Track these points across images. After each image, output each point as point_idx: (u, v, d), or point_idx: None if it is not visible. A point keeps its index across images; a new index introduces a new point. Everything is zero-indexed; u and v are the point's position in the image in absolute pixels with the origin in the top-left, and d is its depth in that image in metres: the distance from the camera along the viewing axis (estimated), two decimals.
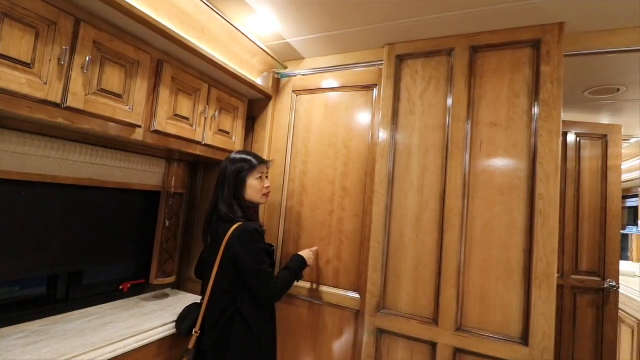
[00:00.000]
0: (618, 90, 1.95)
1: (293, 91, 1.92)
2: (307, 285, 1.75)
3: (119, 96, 1.23)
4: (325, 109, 1.83)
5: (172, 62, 1.43)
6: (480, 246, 1.40)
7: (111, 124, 1.22)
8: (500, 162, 1.40)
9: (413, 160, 1.55)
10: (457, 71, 1.50)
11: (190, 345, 1.30)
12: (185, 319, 1.38)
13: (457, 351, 1.37)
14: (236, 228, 1.28)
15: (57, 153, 1.36)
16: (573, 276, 2.25)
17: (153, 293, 1.86)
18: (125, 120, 1.25)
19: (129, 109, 1.26)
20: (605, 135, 2.34)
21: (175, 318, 1.47)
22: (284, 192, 1.87)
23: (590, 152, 2.36)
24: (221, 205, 1.34)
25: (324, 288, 1.72)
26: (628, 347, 2.81)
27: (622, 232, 4.64)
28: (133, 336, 1.32)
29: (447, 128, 1.50)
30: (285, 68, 1.90)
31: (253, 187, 1.38)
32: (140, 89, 1.29)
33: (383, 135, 1.60)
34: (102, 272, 1.67)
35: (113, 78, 1.21)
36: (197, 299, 1.61)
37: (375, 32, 1.57)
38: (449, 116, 1.50)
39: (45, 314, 1.41)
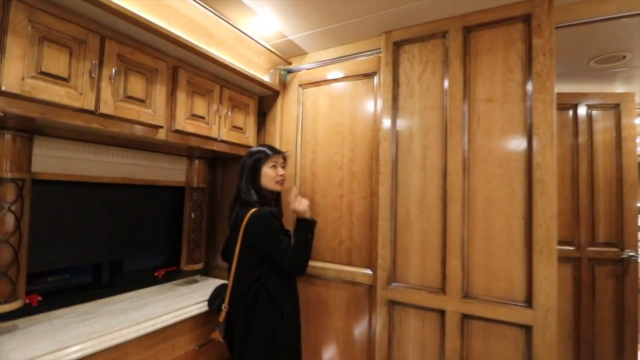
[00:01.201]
0: (624, 57, 1.94)
1: (299, 85, 2.03)
2: (323, 265, 1.88)
3: (143, 101, 1.39)
4: (330, 99, 1.94)
5: (186, 67, 1.58)
6: (482, 217, 1.47)
7: (137, 126, 1.39)
8: (497, 136, 1.46)
9: (414, 141, 1.63)
10: (452, 52, 1.56)
11: (221, 319, 1.46)
12: (217, 298, 1.55)
13: (465, 317, 1.45)
14: (252, 212, 1.42)
15: (94, 155, 1.55)
16: (590, 248, 2.25)
17: (184, 279, 2.04)
18: (149, 122, 1.41)
19: (152, 112, 1.42)
20: (618, 105, 2.30)
21: (205, 299, 1.64)
22: (296, 180, 2.00)
23: (603, 124, 2.33)
24: (242, 193, 1.50)
25: (338, 267, 1.83)
26: None
27: None
28: (169, 313, 1.49)
29: (445, 108, 1.57)
30: (290, 64, 2.02)
31: (267, 175, 1.52)
32: (160, 93, 1.45)
33: (385, 119, 1.68)
34: (139, 261, 1.86)
35: (136, 85, 1.37)
36: (225, 282, 1.77)
37: (372, 21, 1.66)
38: (447, 96, 1.56)
39: (92, 298, 1.60)
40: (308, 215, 1.49)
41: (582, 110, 2.35)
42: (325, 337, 1.86)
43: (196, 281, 2.04)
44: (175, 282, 1.99)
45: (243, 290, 1.41)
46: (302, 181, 1.99)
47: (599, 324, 2.21)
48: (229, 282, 1.47)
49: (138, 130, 1.39)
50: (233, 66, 1.68)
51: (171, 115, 1.52)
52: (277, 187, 1.56)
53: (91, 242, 1.60)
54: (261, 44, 1.76)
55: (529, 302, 1.35)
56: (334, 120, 1.91)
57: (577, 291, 2.25)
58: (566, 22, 1.43)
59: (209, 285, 1.96)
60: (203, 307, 1.61)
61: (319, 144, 1.95)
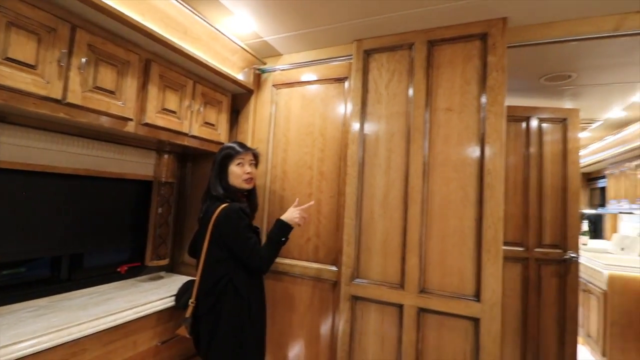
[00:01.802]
0: (569, 76, 2.15)
1: (273, 85, 2.08)
2: (291, 262, 1.93)
3: (112, 93, 1.38)
4: (302, 100, 1.99)
5: (158, 61, 1.58)
6: (438, 218, 1.58)
7: (106, 117, 1.38)
8: (454, 143, 1.58)
9: (380, 145, 1.72)
10: (417, 63, 1.67)
11: (188, 314, 1.46)
12: (184, 294, 1.55)
13: (421, 310, 1.55)
14: (222, 208, 1.44)
15: (57, 145, 1.51)
16: (537, 249, 2.45)
17: (149, 275, 2.02)
18: (119, 114, 1.40)
19: (122, 104, 1.41)
20: (565, 119, 2.53)
21: (170, 295, 1.64)
22: (267, 178, 2.04)
23: (552, 136, 2.55)
24: (211, 187, 1.53)
25: (305, 263, 1.89)
26: (595, 316, 3.05)
27: (595, 211, 4.89)
28: (132, 308, 1.48)
29: (409, 115, 1.67)
30: (265, 64, 2.06)
31: (233, 173, 1.54)
32: (131, 86, 1.45)
33: (354, 122, 1.76)
34: (101, 256, 1.82)
35: (106, 76, 1.36)
36: (191, 279, 1.77)
37: (344, 29, 1.74)
38: (411, 104, 1.67)
39: (50, 293, 1.55)
40: (297, 220, 1.52)
41: (534, 123, 2.56)
42: (290, 333, 1.90)
43: (161, 277, 2.02)
44: (139, 278, 1.96)
45: (210, 284, 1.42)
46: (272, 179, 2.03)
47: (544, 319, 2.41)
48: (196, 278, 1.48)
49: (106, 121, 1.38)
50: (207, 63, 1.70)
51: (141, 108, 1.52)
52: (244, 185, 1.58)
53: (50, 235, 1.56)
54: (236, 43, 1.79)
55: (477, 296, 1.48)
56: (306, 121, 1.97)
57: (525, 289, 2.44)
58: (518, 43, 1.58)
59: (174, 281, 1.95)
60: (167, 303, 1.61)
61: (290, 143, 2.00)
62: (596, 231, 4.95)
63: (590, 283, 3.15)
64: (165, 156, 1.99)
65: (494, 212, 1.47)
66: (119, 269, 1.86)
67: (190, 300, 1.47)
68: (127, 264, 1.89)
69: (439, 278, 1.55)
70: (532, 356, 2.42)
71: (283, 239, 1.50)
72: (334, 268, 1.82)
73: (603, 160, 3.79)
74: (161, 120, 1.60)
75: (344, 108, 1.88)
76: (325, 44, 1.90)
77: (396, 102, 1.71)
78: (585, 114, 2.90)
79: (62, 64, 1.18)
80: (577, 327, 2.41)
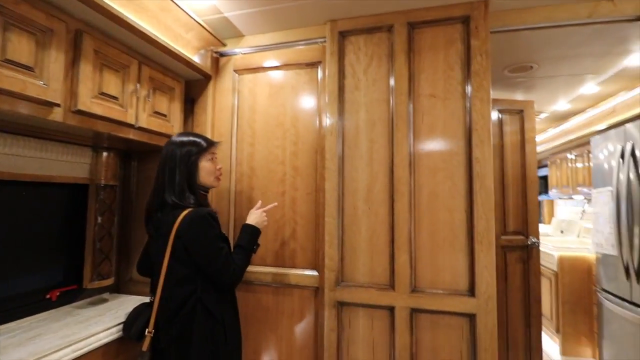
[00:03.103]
0: (532, 67, 2.20)
1: (234, 70, 1.83)
2: (264, 269, 1.71)
3: (30, 69, 1.05)
4: (269, 88, 1.78)
5: (93, 32, 1.26)
6: (427, 211, 1.48)
7: (22, 101, 1.04)
8: (440, 131, 1.49)
9: (361, 135, 1.58)
10: (397, 47, 1.55)
11: (145, 347, 1.18)
12: (136, 321, 1.26)
13: (414, 311, 1.44)
14: (186, 214, 1.18)
15: None
16: (503, 237, 2.50)
17: (88, 299, 1.66)
18: (40, 97, 1.07)
19: (43, 84, 1.09)
20: (522, 111, 2.62)
21: (118, 322, 1.33)
22: (231, 176, 1.79)
23: (511, 127, 2.63)
24: (168, 193, 1.23)
25: (281, 270, 1.68)
26: (548, 296, 3.25)
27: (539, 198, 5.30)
28: (69, 345, 1.16)
29: (391, 102, 1.55)
30: (225, 45, 1.80)
31: (205, 169, 1.30)
32: (56, 61, 1.12)
33: (331, 111, 1.60)
34: (22, 282, 1.44)
35: (21, 47, 1.03)
36: (142, 300, 1.47)
37: (316, 7, 1.56)
38: (393, 90, 1.55)
39: None
40: (263, 224, 1.41)
41: (494, 115, 2.61)
42: (267, 348, 1.69)
43: (105, 300, 1.67)
44: (75, 304, 1.59)
45: (175, 308, 1.15)
46: (238, 177, 1.79)
47: (511, 304, 2.48)
48: (155, 301, 1.20)
49: (23, 106, 1.05)
50: (155, 38, 1.41)
51: (72, 91, 1.19)
52: (215, 183, 1.36)
53: None
54: (192, 17, 1.51)
55: (471, 291, 1.40)
56: (275, 111, 1.75)
57: None
58: (498, 28, 1.53)
59: (123, 303, 1.62)
60: (116, 333, 1.31)
61: (257, 136, 1.77)
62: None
63: (543, 265, 3.35)
64: (104, 154, 1.64)
65: (485, 202, 1.40)
66: (48, 296, 1.49)
67: (147, 330, 1.19)
68: (59, 289, 1.52)
69: (431, 275, 1.45)
70: (502, 340, 2.47)
71: (255, 246, 1.35)
72: (315, 273, 1.64)
73: (545, 150, 4.09)
74: (99, 108, 1.29)
75: (318, 96, 1.70)
76: (295, 24, 1.70)
77: (376, 88, 1.58)
78: (535, 106, 3.06)
79: None
80: (541, 310, 2.51)
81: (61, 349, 1.13)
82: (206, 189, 1.35)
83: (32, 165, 1.39)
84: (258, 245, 1.37)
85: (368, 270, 1.52)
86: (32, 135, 1.37)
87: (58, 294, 1.51)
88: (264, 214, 1.42)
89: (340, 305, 1.53)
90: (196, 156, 1.27)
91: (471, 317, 1.39)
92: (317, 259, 1.64)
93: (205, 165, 1.30)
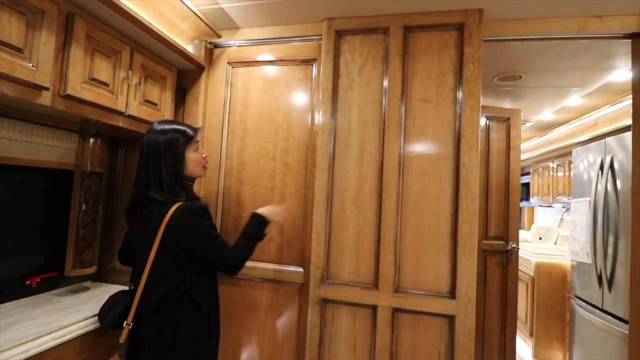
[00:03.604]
0: (520, 77, 2.26)
1: (228, 63, 1.81)
2: (250, 264, 1.69)
3: (19, 50, 1.02)
4: (263, 82, 1.77)
5: (85, 16, 1.23)
6: (414, 214, 1.51)
7: (10, 83, 1.02)
8: (430, 135, 1.52)
9: (353, 135, 1.59)
10: (392, 49, 1.57)
11: (122, 340, 1.16)
12: (111, 310, 1.23)
13: (396, 311, 1.47)
14: (177, 209, 1.15)
15: None
16: (484, 241, 2.57)
17: (69, 287, 1.63)
18: (28, 79, 1.05)
19: (32, 66, 1.06)
20: (509, 118, 2.69)
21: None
22: (221, 170, 1.78)
23: (497, 134, 2.69)
24: (155, 188, 1.17)
25: (267, 265, 1.69)
26: (524, 300, 3.35)
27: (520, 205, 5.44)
28: (49, 333, 1.14)
29: (383, 103, 1.57)
30: (219, 37, 1.78)
31: (193, 160, 1.26)
32: (46, 43, 1.09)
33: (324, 110, 1.61)
34: (2, 266, 1.40)
35: (10, 27, 1.00)
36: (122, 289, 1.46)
37: (314, 4, 1.56)
38: (386, 92, 1.56)
39: None
40: (277, 218, 1.41)
41: (482, 121, 2.67)
42: (249, 342, 1.69)
43: (86, 289, 1.65)
44: (56, 291, 1.56)
45: (162, 299, 1.14)
46: (227, 171, 1.78)
47: (488, 306, 2.55)
48: (137, 292, 1.17)
49: (10, 88, 1.02)
50: (149, 25, 1.38)
51: (61, 76, 1.17)
52: (203, 173, 1.34)
53: None
54: (188, 6, 1.49)
55: (452, 293, 1.44)
56: (267, 106, 1.75)
57: None
58: (491, 37, 1.56)
59: (104, 292, 1.60)
60: (97, 322, 1.29)
61: (248, 130, 1.77)
62: None
63: (520, 270, 3.45)
64: (92, 140, 1.61)
65: (470, 207, 1.44)
66: (28, 282, 1.46)
67: (126, 322, 1.17)
68: (40, 275, 1.49)
69: (414, 276, 1.49)
70: (478, 341, 2.54)
71: (262, 234, 1.34)
72: (300, 269, 1.65)
73: (529, 158, 4.20)
74: (89, 93, 1.26)
75: (311, 93, 1.71)
76: (291, 19, 1.69)
77: (370, 89, 1.59)
78: (522, 114, 3.13)
79: None
80: (517, 313, 2.60)
81: (41, 336, 1.11)
82: (193, 179, 1.32)
83: (17, 149, 1.35)
84: (264, 234, 1.35)
85: (353, 268, 1.54)
86: (18, 118, 1.33)
87: (38, 280, 1.48)
88: (281, 209, 1.41)
89: (324, 302, 1.55)
90: (183, 147, 1.23)
91: (450, 319, 1.43)
92: (303, 255, 1.65)
93: (192, 156, 1.26)
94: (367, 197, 1.55)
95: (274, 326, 1.67)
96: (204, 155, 1.32)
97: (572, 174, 2.79)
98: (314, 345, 1.53)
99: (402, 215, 1.52)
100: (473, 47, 1.50)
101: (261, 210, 1.36)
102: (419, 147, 1.53)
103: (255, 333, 1.69)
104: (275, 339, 1.66)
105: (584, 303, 2.36)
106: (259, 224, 1.33)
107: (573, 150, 2.73)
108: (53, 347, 1.13)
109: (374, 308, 1.49)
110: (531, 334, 3.18)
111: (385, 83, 1.57)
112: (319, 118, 1.61)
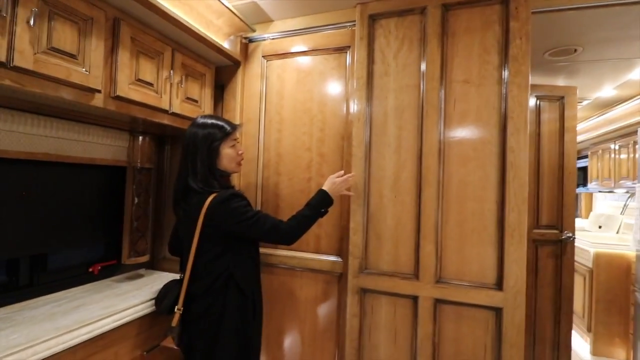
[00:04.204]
0: (575, 50, 2.06)
1: (263, 56, 1.84)
2: (289, 253, 1.75)
3: (73, 56, 1.11)
4: (297, 73, 1.78)
5: (129, 20, 1.31)
6: (456, 201, 1.44)
7: (67, 87, 1.11)
8: (473, 119, 1.44)
9: (389, 122, 1.55)
10: (430, 30, 1.50)
11: (174, 323, 1.25)
12: (165, 297, 1.32)
13: (437, 301, 1.43)
14: (213, 199, 1.21)
15: (6, 124, 1.23)
16: (535, 230, 2.41)
17: (126, 274, 1.78)
18: (82, 83, 1.13)
19: (85, 71, 1.15)
20: (563, 97, 2.47)
21: (153, 296, 1.42)
22: (259, 162, 1.82)
23: (549, 115, 2.49)
24: (192, 179, 1.25)
25: (305, 254, 1.72)
26: (580, 293, 3.11)
27: (577, 190, 5.04)
28: (110, 316, 1.25)
29: (421, 88, 1.50)
30: (254, 31, 1.81)
31: (228, 156, 1.30)
32: (96, 49, 1.18)
33: (359, 98, 1.58)
34: (69, 255, 1.56)
35: (65, 36, 1.08)
36: (175, 277, 1.56)
37: None
38: (423, 76, 1.50)
39: (8, 302, 1.30)
40: (337, 191, 1.42)
41: (532, 101, 2.48)
42: (291, 329, 1.74)
43: (141, 276, 1.78)
44: (115, 278, 1.71)
45: (205, 285, 1.22)
46: (265, 163, 1.82)
47: (540, 300, 2.40)
48: (184, 278, 1.26)
49: (68, 92, 1.11)
50: (188, 25, 1.43)
51: (111, 78, 1.25)
52: (237, 169, 1.38)
53: (3, 234, 1.28)
54: (223, 3, 1.53)
55: (499, 284, 1.37)
56: (302, 97, 1.75)
57: None
58: (541, 8, 1.44)
59: (156, 279, 1.72)
60: (151, 306, 1.40)
61: (284, 122, 1.79)
62: None
63: (576, 262, 3.20)
64: (140, 138, 1.72)
65: (518, 193, 1.35)
66: (91, 269, 1.61)
67: (177, 307, 1.25)
68: (101, 263, 1.64)
69: (457, 266, 1.43)
70: (528, 335, 2.41)
71: (323, 209, 1.37)
72: (339, 259, 1.66)
73: (586, 140, 3.85)
74: (136, 94, 1.34)
75: (346, 81, 1.68)
76: (324, 7, 1.67)
77: (406, 73, 1.54)
78: (578, 92, 2.87)
79: (4, 15, 0.91)
80: (573, 307, 2.42)
81: (103, 318, 1.22)
82: (228, 173, 1.36)
83: (76, 148, 1.48)
84: (326, 211, 1.38)
85: (392, 258, 1.52)
86: (75, 119, 1.45)
87: (99, 268, 1.63)
88: (341, 180, 1.42)
89: (363, 292, 1.54)
90: (219, 142, 1.27)
91: (497, 311, 1.36)
92: (341, 245, 1.65)
93: (227, 152, 1.30)
94: (405, 185, 1.51)
95: (313, 315, 1.70)
96: (239, 152, 1.35)
97: (637, 155, 2.51)
98: (354, 335, 1.54)
99: (443, 203, 1.46)
100: (520, 20, 1.38)
101: (327, 186, 1.40)
102: (461, 132, 1.45)
103: (296, 321, 1.73)
104: (316, 327, 1.70)
105: None
106: (322, 199, 1.37)
107: (638, 129, 2.45)
108: (114, 328, 1.24)
109: (414, 298, 1.47)
110: (589, 330, 2.95)
111: (423, 66, 1.50)
112: (353, 106, 1.59)
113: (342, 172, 1.47)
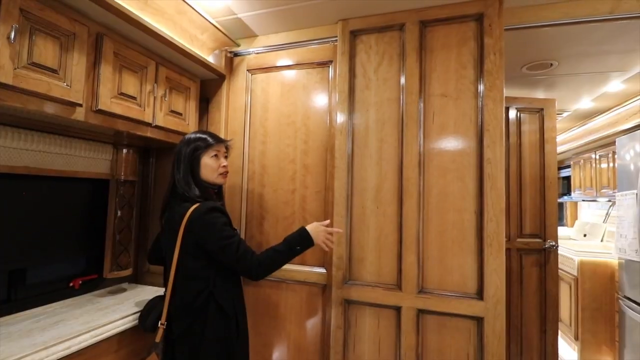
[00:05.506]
0: (551, 65, 2.13)
1: (248, 70, 1.87)
2: None
3: (54, 71, 1.12)
4: (281, 87, 1.81)
5: (113, 35, 1.33)
6: (436, 212, 1.47)
7: (47, 102, 1.11)
8: (451, 131, 1.48)
9: (371, 134, 1.58)
10: (409, 45, 1.54)
11: (158, 339, 1.23)
12: (150, 313, 1.31)
13: (420, 312, 1.44)
14: (194, 209, 1.22)
15: None
16: (519, 239, 2.45)
17: (108, 288, 1.75)
18: (63, 97, 1.14)
19: (67, 85, 1.16)
20: (542, 109, 2.54)
21: (135, 310, 1.40)
22: (243, 174, 1.83)
23: (530, 126, 2.56)
24: (177, 185, 1.29)
25: (290, 266, 1.70)
26: (567, 302, 3.15)
27: (558, 200, 5.13)
28: (89, 331, 1.23)
29: (401, 101, 1.54)
30: (238, 46, 1.84)
31: (208, 166, 1.32)
32: (78, 64, 1.19)
33: (341, 111, 1.61)
34: (49, 270, 1.54)
35: (46, 51, 1.09)
36: (158, 291, 1.54)
37: (328, 7, 1.57)
38: (403, 89, 1.54)
39: None
40: (319, 240, 1.32)
41: (512, 113, 2.55)
42: (276, 343, 1.73)
43: (123, 290, 1.76)
44: (96, 292, 1.68)
45: (186, 302, 1.20)
46: (250, 175, 1.83)
47: (526, 308, 2.42)
48: (166, 294, 1.25)
49: (48, 107, 1.12)
50: (172, 40, 1.46)
51: (93, 92, 1.26)
52: (219, 180, 1.37)
53: None
54: (206, 19, 1.56)
55: (480, 294, 1.39)
56: (286, 110, 1.78)
57: (508, 280, 2.43)
58: (513, 25, 1.50)
59: (140, 293, 1.70)
60: (133, 322, 1.38)
61: (269, 134, 1.81)
62: (559, 219, 5.19)
63: (562, 270, 3.25)
64: (124, 150, 1.72)
65: (496, 203, 1.38)
66: (71, 284, 1.58)
67: (160, 322, 1.24)
68: (82, 277, 1.62)
69: (439, 276, 1.45)
70: (515, 345, 2.42)
71: (298, 247, 1.28)
72: (323, 270, 1.67)
73: (568, 150, 3.94)
74: (118, 107, 1.35)
75: (329, 95, 1.72)
76: (306, 23, 1.72)
77: (387, 87, 1.58)
78: (557, 104, 2.95)
79: None
80: (558, 315, 2.44)
81: (81, 334, 1.20)
82: (214, 186, 1.37)
83: (57, 162, 1.48)
84: (302, 249, 1.29)
85: (375, 269, 1.53)
86: (57, 133, 1.45)
87: (80, 282, 1.61)
88: (325, 232, 1.32)
89: (347, 303, 1.55)
90: (200, 151, 1.30)
91: (479, 320, 1.38)
92: (325, 256, 1.66)
93: (207, 162, 1.31)
94: (387, 197, 1.53)
95: (299, 326, 1.69)
96: (222, 164, 1.35)
97: (616, 164, 2.59)
98: (338, 347, 1.53)
99: (424, 214, 1.48)
100: (494, 37, 1.44)
101: (310, 227, 1.32)
102: (440, 144, 1.49)
103: (281, 333, 1.72)
104: (301, 339, 1.69)
105: (634, 304, 2.18)
106: (300, 237, 1.29)
107: (617, 139, 2.53)
108: (92, 345, 1.22)
109: (397, 309, 1.47)
110: (576, 338, 2.98)
111: (402, 80, 1.55)
112: (336, 119, 1.62)
113: (328, 221, 1.40)
